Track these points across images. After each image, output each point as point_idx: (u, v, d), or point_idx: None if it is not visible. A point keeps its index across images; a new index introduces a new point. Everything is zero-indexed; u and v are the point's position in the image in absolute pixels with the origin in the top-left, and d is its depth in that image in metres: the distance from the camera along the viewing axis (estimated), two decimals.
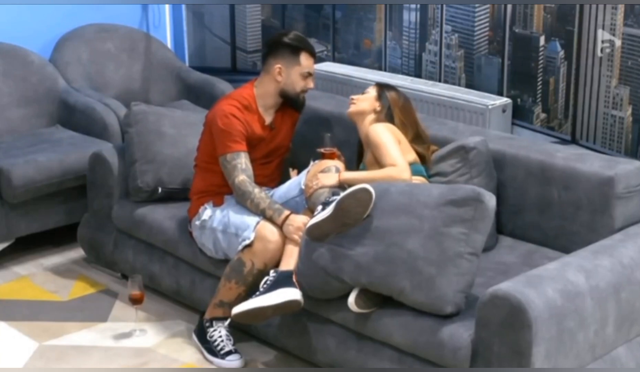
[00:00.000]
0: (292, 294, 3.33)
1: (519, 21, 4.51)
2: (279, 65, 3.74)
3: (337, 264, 3.24)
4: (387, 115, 3.72)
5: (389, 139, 3.59)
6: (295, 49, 3.74)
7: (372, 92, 3.79)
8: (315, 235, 3.30)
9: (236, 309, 3.39)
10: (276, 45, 3.78)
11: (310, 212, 3.49)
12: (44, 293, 4.27)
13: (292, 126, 3.96)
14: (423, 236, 3.11)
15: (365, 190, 3.18)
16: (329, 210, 3.25)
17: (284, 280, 3.37)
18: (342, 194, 3.22)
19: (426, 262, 3.09)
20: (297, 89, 3.78)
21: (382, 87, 3.80)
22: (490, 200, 3.11)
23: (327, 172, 3.56)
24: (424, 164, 3.68)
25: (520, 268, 3.29)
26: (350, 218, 3.21)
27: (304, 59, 3.76)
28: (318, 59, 5.39)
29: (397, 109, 3.73)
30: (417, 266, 3.10)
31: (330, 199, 3.30)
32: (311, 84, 3.82)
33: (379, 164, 3.58)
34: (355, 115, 3.78)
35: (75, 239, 4.54)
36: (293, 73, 3.75)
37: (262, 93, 3.79)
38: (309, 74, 3.79)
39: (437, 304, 3.08)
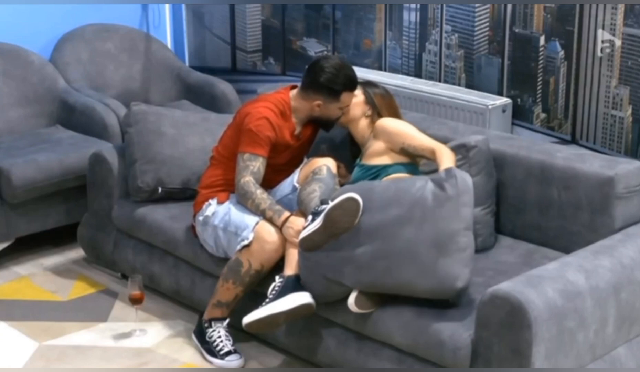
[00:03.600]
0: (303, 298, 3.32)
1: (519, 21, 4.51)
2: (318, 102, 3.68)
3: (337, 269, 3.24)
4: (377, 115, 3.75)
5: (409, 126, 3.66)
6: (335, 92, 3.66)
7: (359, 95, 3.78)
8: (307, 247, 3.30)
9: (247, 319, 3.36)
10: (317, 83, 3.66)
11: (302, 214, 3.49)
12: (44, 293, 4.27)
13: (313, 138, 3.93)
14: (416, 222, 3.13)
15: (352, 199, 3.18)
16: (319, 221, 3.25)
17: (292, 284, 3.36)
18: (330, 204, 3.22)
19: (425, 246, 3.11)
20: (333, 117, 3.75)
21: (366, 89, 3.79)
22: (465, 175, 3.19)
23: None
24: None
25: (520, 268, 3.29)
26: (340, 228, 3.21)
27: (345, 97, 3.68)
28: None
29: (385, 110, 3.76)
30: (418, 251, 3.11)
31: (320, 209, 3.30)
32: (347, 110, 3.75)
33: (393, 150, 3.62)
34: (348, 123, 3.79)
35: (75, 239, 4.54)
36: (331, 108, 3.70)
37: (296, 107, 3.75)
38: (347, 106, 3.74)
39: (447, 283, 3.09)
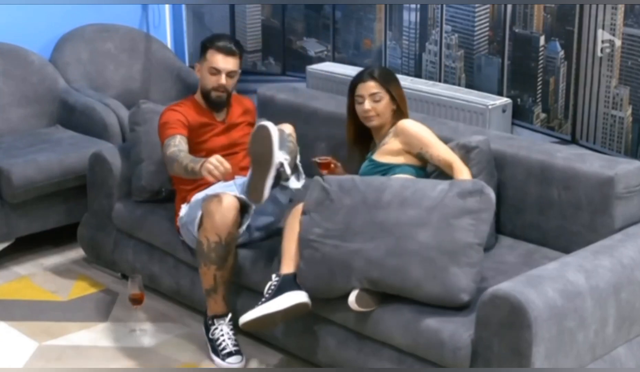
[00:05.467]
0: (299, 297, 3.32)
1: (519, 21, 4.51)
2: (197, 63, 3.93)
3: (347, 262, 3.24)
4: (398, 109, 3.73)
5: (430, 132, 3.64)
6: (203, 47, 3.88)
7: (383, 96, 3.69)
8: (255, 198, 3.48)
9: (244, 318, 3.36)
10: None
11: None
12: (44, 293, 4.27)
13: (250, 122, 4.05)
14: (433, 227, 3.14)
15: (262, 126, 3.40)
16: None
17: (288, 283, 3.36)
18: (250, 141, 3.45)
19: (439, 252, 3.12)
20: (208, 85, 3.87)
21: (387, 87, 3.71)
22: (491, 192, 3.20)
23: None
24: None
25: (520, 268, 3.29)
26: (264, 157, 3.39)
27: (210, 55, 3.84)
28: (318, 59, 5.41)
29: (403, 103, 3.75)
30: (430, 256, 3.12)
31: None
32: (221, 81, 3.84)
33: (410, 153, 3.62)
34: (377, 121, 3.73)
35: (75, 239, 4.54)
36: (203, 69, 3.88)
37: (200, 91, 3.97)
38: (217, 71, 3.84)
39: (453, 293, 3.10)
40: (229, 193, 3.61)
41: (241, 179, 3.78)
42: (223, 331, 3.64)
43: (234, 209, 3.56)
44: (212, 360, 3.65)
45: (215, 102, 3.90)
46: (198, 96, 3.96)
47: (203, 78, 3.89)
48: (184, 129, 3.81)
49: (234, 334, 3.65)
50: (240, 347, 3.64)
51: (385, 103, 3.70)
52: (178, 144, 3.73)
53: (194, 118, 3.86)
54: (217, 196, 3.57)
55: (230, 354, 3.61)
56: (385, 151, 3.66)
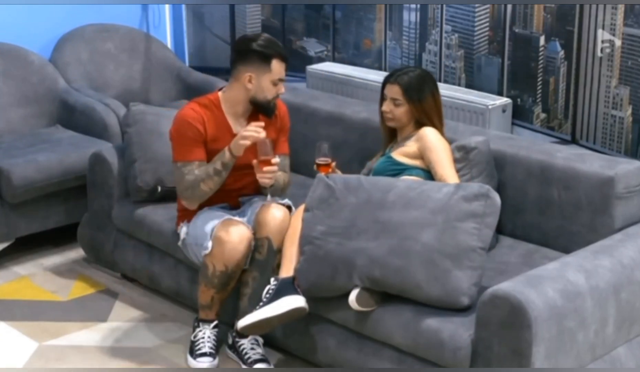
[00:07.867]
0: (296, 301, 3.31)
1: (519, 21, 4.51)
2: (249, 74, 3.57)
3: (349, 259, 3.24)
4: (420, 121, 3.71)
5: (446, 150, 3.60)
6: (266, 56, 3.56)
7: (403, 104, 3.65)
8: None
9: (242, 323, 3.36)
10: (246, 52, 3.59)
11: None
12: (44, 293, 4.27)
13: (273, 138, 3.70)
14: (437, 229, 3.14)
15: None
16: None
17: (286, 288, 3.36)
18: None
19: (441, 255, 3.12)
20: (269, 96, 3.62)
21: (408, 99, 3.66)
22: (496, 196, 3.19)
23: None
24: None
25: (520, 268, 3.29)
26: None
27: (275, 65, 3.58)
28: (318, 59, 5.42)
29: (424, 117, 3.68)
30: (433, 258, 3.12)
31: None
32: (282, 89, 3.63)
33: (423, 160, 3.61)
34: (397, 126, 3.74)
35: (75, 239, 4.54)
36: (264, 80, 3.59)
37: (229, 97, 3.67)
38: (281, 80, 3.62)
39: (453, 296, 3.09)
40: (242, 223, 3.55)
41: (246, 201, 3.76)
42: (205, 334, 3.63)
43: (247, 240, 3.50)
44: (186, 359, 3.64)
45: (274, 109, 3.69)
46: (231, 103, 3.66)
47: (263, 89, 3.60)
48: (200, 148, 3.61)
49: (216, 339, 3.63)
50: (217, 351, 3.62)
51: (403, 110, 3.68)
52: (197, 174, 3.58)
53: (211, 131, 3.63)
54: (230, 225, 3.50)
55: (203, 354, 3.59)
56: (403, 152, 3.66)
